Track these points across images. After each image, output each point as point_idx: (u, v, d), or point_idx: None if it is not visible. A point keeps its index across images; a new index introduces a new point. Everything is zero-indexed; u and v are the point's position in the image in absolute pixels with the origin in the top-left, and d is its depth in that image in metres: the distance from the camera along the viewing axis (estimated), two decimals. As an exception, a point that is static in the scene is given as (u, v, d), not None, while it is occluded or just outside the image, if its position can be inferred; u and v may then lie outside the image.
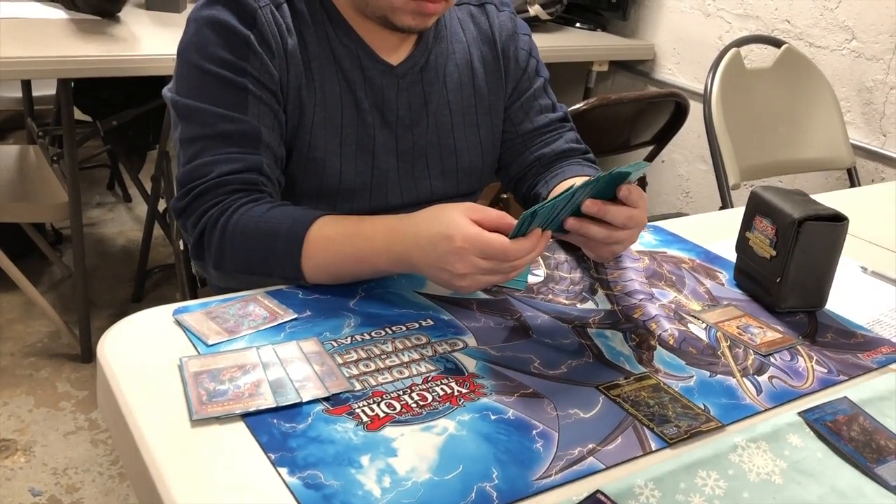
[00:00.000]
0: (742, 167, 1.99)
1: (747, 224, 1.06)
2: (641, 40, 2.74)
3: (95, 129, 2.36)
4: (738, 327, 0.98)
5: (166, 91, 1.08)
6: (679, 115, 2.10)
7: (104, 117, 2.44)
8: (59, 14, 2.15)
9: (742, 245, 1.07)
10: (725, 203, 1.93)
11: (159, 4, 2.34)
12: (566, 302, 1.00)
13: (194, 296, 1.39)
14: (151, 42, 2.07)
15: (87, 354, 2.17)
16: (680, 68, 2.66)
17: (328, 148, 1.08)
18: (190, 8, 2.38)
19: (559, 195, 0.85)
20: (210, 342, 0.84)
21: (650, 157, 2.25)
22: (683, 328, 0.96)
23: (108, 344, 0.83)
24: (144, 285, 2.52)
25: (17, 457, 1.83)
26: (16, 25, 2.02)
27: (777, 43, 2.16)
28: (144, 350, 0.83)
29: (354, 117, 1.09)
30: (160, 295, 2.53)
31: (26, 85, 2.74)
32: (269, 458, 0.69)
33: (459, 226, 0.87)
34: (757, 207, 1.04)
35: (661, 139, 2.19)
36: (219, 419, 0.73)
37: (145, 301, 2.49)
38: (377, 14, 1.06)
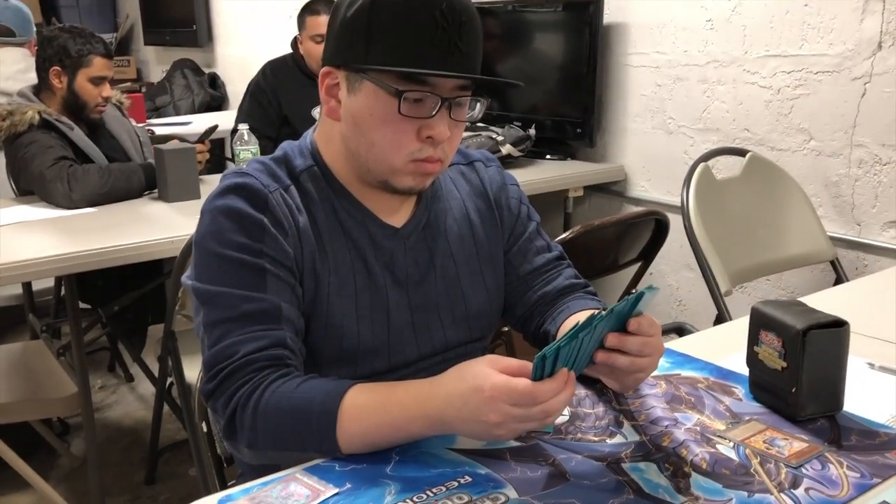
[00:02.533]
0: (730, 273, 2.05)
1: (754, 339, 1.10)
2: (611, 163, 2.86)
3: (98, 316, 2.40)
4: (764, 441, 1.01)
5: (185, 279, 1.13)
6: (660, 230, 2.18)
7: (104, 304, 2.49)
8: (58, 213, 2.22)
9: (752, 359, 1.11)
10: (721, 312, 1.98)
11: (177, 196, 2.33)
12: (595, 439, 1.02)
13: (221, 476, 1.39)
14: (145, 227, 2.12)
15: (107, 548, 2.13)
16: (652, 184, 2.77)
17: (345, 313, 1.12)
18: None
19: (575, 332, 0.88)
20: (259, 529, 0.85)
21: (639, 273, 2.31)
22: (713, 450, 0.99)
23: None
24: (157, 466, 2.49)
25: None
26: (15, 229, 2.09)
27: (741, 152, 2.28)
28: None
29: (367, 281, 1.14)
30: (173, 473, 2.50)
31: (27, 283, 2.79)
32: None
33: (486, 376, 0.90)
34: (760, 322, 1.09)
35: (647, 255, 2.26)
36: None
37: (159, 482, 2.46)
38: (379, 179, 1.12)
